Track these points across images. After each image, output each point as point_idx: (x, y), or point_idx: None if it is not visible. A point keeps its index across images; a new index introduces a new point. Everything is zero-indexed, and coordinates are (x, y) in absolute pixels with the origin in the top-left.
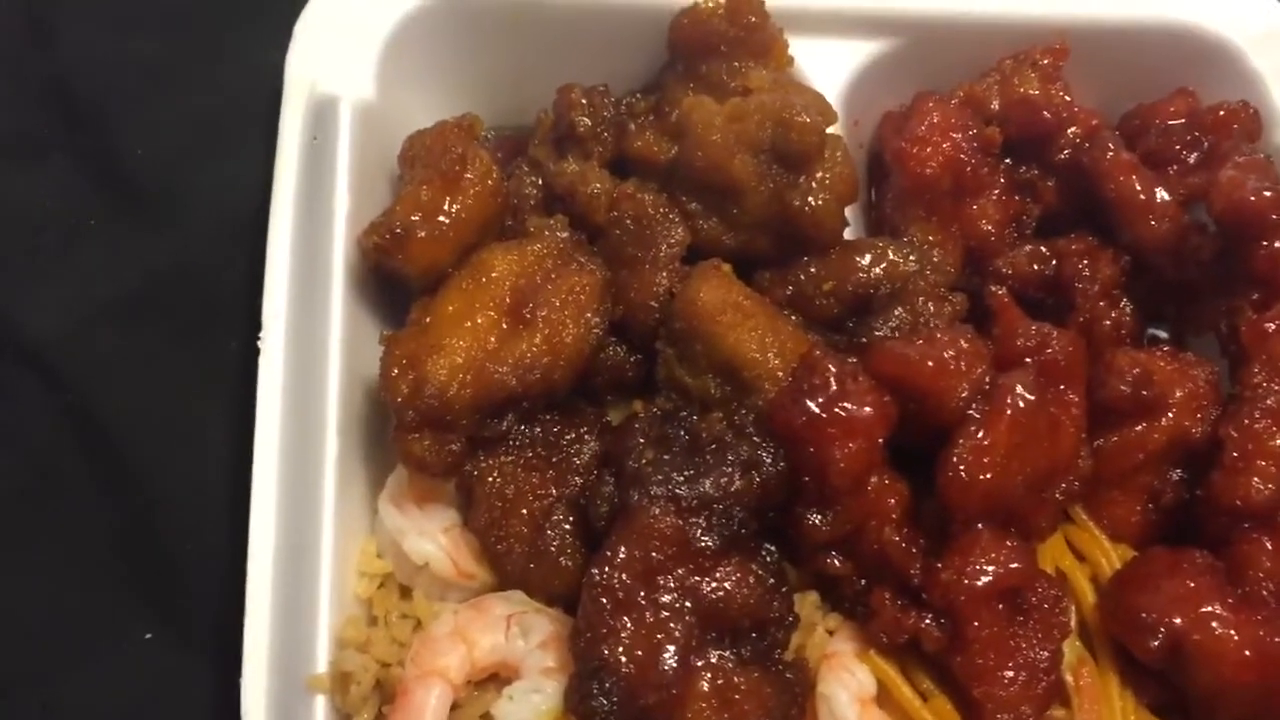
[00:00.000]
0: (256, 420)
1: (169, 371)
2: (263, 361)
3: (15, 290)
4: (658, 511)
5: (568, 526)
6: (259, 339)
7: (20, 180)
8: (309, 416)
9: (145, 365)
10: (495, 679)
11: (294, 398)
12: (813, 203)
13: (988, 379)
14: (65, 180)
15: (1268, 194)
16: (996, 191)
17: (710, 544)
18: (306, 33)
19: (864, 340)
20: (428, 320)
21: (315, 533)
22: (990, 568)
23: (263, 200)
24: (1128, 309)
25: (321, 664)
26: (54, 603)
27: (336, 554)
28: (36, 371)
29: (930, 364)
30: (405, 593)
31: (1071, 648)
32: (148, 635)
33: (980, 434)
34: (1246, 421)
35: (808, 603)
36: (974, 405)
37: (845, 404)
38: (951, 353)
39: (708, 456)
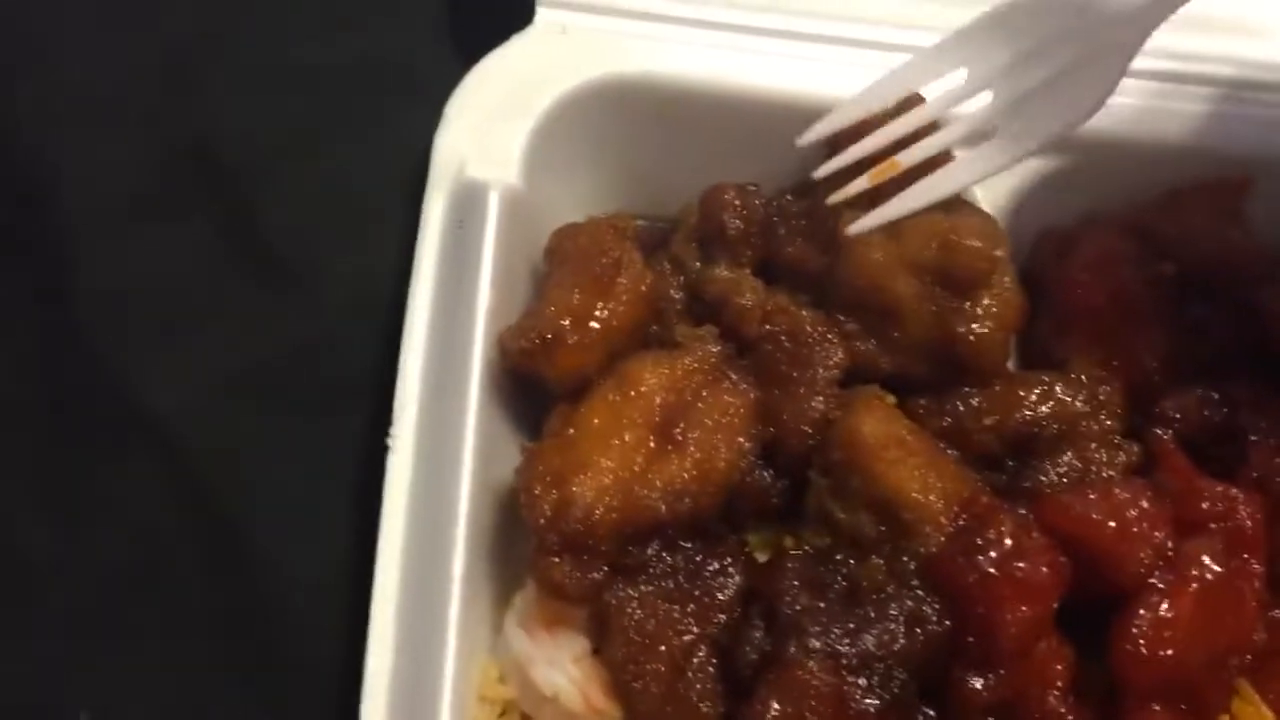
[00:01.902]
0: (381, 523)
1: (292, 453)
2: (392, 457)
3: (141, 357)
4: (815, 667)
5: (709, 669)
6: (389, 435)
7: (154, 241)
8: (437, 523)
9: (268, 445)
10: None
11: (422, 502)
12: (978, 330)
13: (1169, 544)
14: (202, 244)
15: None
16: (1165, 327)
17: (870, 707)
18: (457, 114)
19: (1027, 484)
20: (571, 432)
21: (437, 651)
22: None
23: (400, 282)
24: None
25: None
26: (164, 699)
27: (457, 676)
28: (155, 444)
29: (1112, 525)
30: None
31: None
32: None
33: (1164, 606)
34: None
35: None
36: (1155, 573)
37: (1020, 564)
38: (1134, 513)
39: (869, 609)
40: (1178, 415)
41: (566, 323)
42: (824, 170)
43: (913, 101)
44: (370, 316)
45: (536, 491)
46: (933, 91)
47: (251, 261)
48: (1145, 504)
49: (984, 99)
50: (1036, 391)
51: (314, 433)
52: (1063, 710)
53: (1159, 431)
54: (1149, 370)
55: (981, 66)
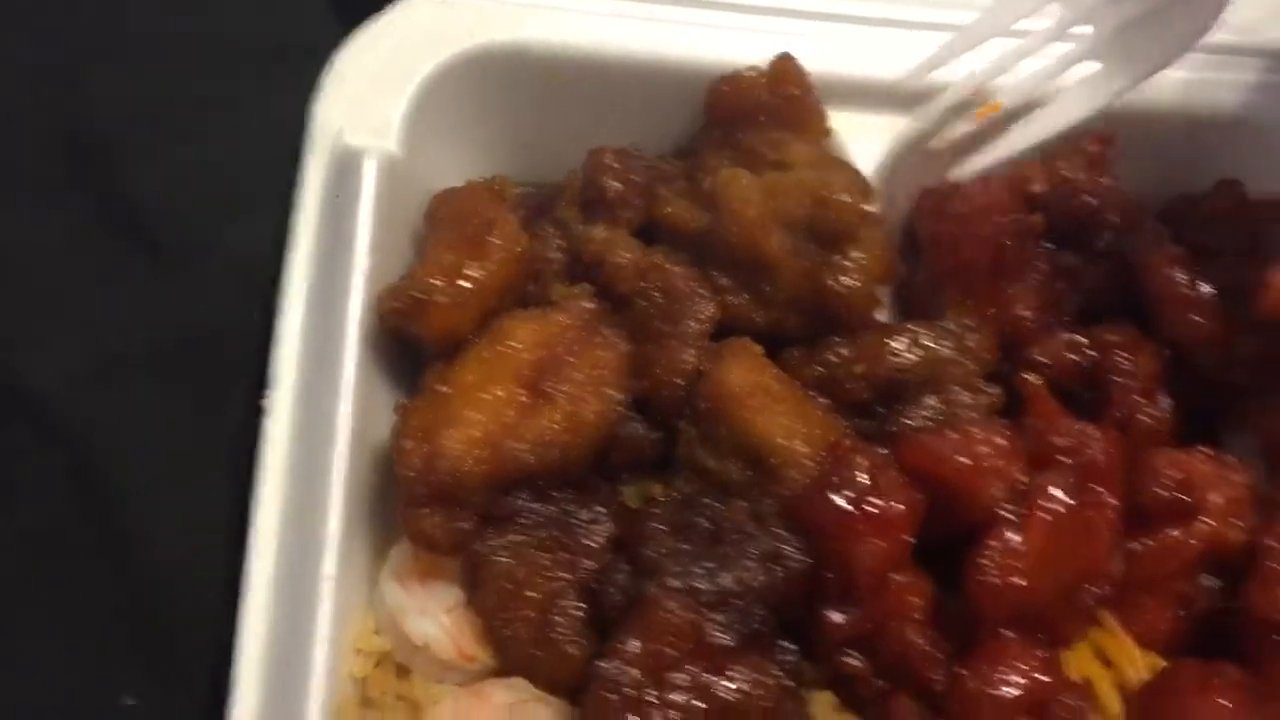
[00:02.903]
0: (256, 484)
1: (175, 431)
2: (269, 423)
3: (17, 332)
4: (674, 605)
5: (577, 613)
6: (264, 398)
7: (28, 222)
8: (313, 482)
9: (150, 423)
10: None
11: (298, 462)
12: (847, 283)
13: (1023, 479)
14: (76, 225)
15: None
16: (1036, 276)
17: (727, 641)
18: (336, 82)
19: (893, 429)
20: (443, 389)
21: (312, 606)
22: (1018, 679)
23: (280, 255)
24: (1167, 406)
25: None
26: (38, 664)
27: (333, 629)
28: (35, 425)
29: (965, 460)
30: (402, 672)
31: None
32: (129, 701)
33: (1014, 537)
34: None
35: (823, 702)
36: (1007, 506)
37: (875, 499)
38: (986, 450)
39: (729, 548)
40: (1047, 360)
41: (439, 282)
42: (932, 109)
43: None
44: (250, 290)
45: (407, 446)
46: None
47: (128, 238)
48: (1000, 440)
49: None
50: (903, 340)
51: (197, 410)
52: (920, 641)
53: (1028, 376)
54: (1021, 319)
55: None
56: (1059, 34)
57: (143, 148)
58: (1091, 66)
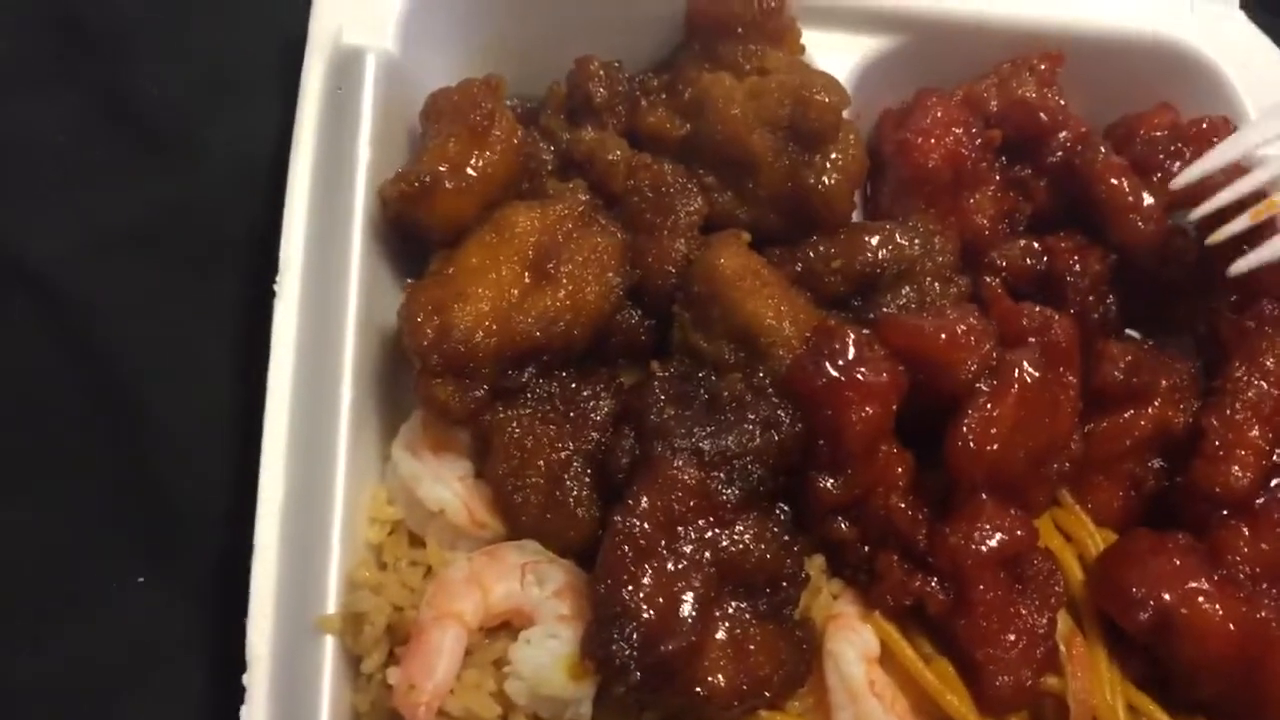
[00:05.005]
0: (270, 363)
1: (174, 307)
2: (278, 304)
3: (16, 214)
4: (681, 463)
5: (585, 479)
6: (275, 283)
7: (26, 109)
8: (324, 362)
9: (150, 298)
10: (507, 627)
11: (309, 342)
12: (826, 181)
13: (995, 355)
14: (73, 113)
15: None
16: (992, 188)
17: (730, 498)
18: None
19: (871, 317)
20: (450, 270)
21: (327, 476)
22: (996, 534)
23: (277, 147)
24: (1113, 305)
25: (331, 607)
26: (45, 541)
27: (348, 498)
28: (36, 296)
29: (942, 336)
30: (415, 541)
31: (1063, 619)
32: (140, 578)
33: (989, 406)
34: (1228, 412)
35: (814, 566)
36: (982, 379)
37: (862, 369)
38: (962, 327)
39: (728, 414)
40: (1004, 264)
41: (444, 169)
42: (1202, 210)
43: None
44: (247, 179)
45: (419, 320)
46: None
47: (126, 129)
48: (973, 320)
49: None
50: (878, 237)
51: (191, 286)
52: (903, 506)
53: (987, 279)
54: (979, 227)
55: None
56: None
57: (142, 40)
58: None
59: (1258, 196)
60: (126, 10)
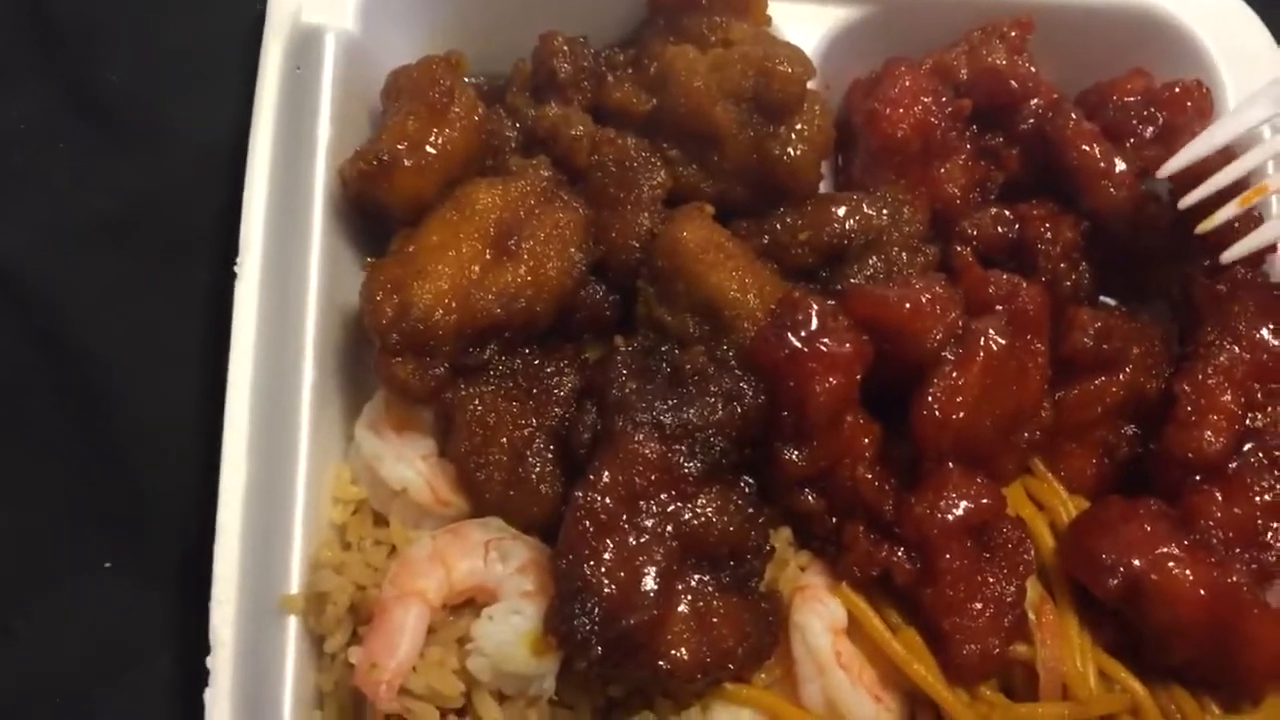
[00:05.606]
0: (231, 345)
1: (140, 296)
2: (239, 286)
3: None
4: (642, 437)
5: (548, 455)
6: (235, 264)
7: None
8: (285, 342)
9: (116, 289)
10: (471, 605)
11: (270, 323)
12: (791, 153)
13: (961, 323)
14: (38, 104)
15: None
16: (963, 157)
17: (692, 471)
18: None
19: (838, 287)
20: (411, 249)
21: (290, 457)
22: (962, 502)
23: (240, 130)
24: (1086, 272)
25: (294, 587)
26: (14, 528)
27: (310, 479)
28: (3, 287)
29: (907, 306)
30: (379, 520)
31: (1034, 587)
32: (106, 564)
33: (955, 374)
34: (1200, 378)
35: (780, 538)
36: (948, 348)
37: (826, 340)
38: (927, 296)
39: (690, 387)
40: (974, 233)
41: (402, 146)
42: (1190, 199)
43: None
44: (211, 166)
45: (378, 298)
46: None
47: (91, 120)
48: (938, 289)
49: None
50: (844, 207)
51: (162, 277)
52: (870, 477)
53: (958, 248)
54: (950, 196)
55: None
56: None
57: (105, 30)
58: None
59: (1241, 186)
60: (93, 4)
